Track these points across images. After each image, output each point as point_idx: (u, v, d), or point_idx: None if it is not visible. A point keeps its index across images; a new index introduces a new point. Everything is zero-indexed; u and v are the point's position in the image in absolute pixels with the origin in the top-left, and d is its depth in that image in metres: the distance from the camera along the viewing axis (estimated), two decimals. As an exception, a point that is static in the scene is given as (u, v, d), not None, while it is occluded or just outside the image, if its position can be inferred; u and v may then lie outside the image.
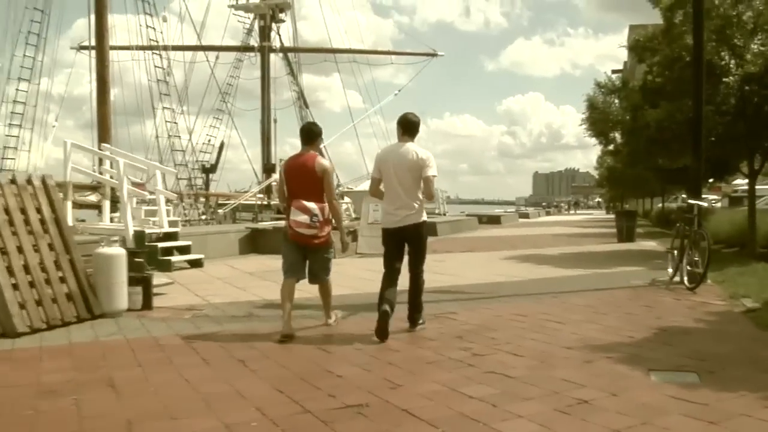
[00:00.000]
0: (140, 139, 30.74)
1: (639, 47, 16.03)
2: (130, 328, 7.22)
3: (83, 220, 16.21)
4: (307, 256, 6.85)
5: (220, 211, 26.77)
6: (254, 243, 17.68)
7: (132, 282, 8.32)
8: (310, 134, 6.93)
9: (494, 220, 40.10)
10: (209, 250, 15.37)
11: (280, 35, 37.81)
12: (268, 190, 34.85)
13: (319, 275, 6.96)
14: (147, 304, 8.42)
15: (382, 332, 6.35)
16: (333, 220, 6.88)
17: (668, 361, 5.42)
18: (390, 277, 6.77)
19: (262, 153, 37.13)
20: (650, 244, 20.52)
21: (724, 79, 14.63)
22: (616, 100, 17.91)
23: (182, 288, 10.40)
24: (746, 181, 35.69)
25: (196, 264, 13.66)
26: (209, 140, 37.90)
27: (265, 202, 33.35)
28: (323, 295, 7.13)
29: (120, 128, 37.69)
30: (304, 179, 6.65)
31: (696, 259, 9.84)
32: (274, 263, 15.26)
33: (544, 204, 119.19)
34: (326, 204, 6.67)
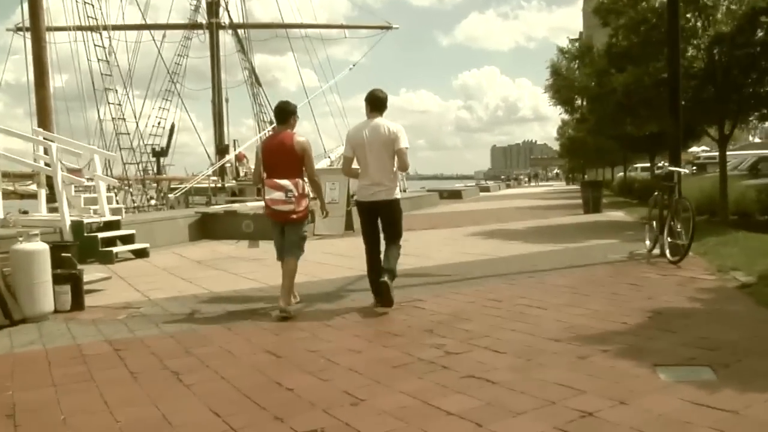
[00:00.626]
0: (87, 125, 29.40)
1: (603, 9, 15.27)
2: (53, 335, 6.28)
3: (26, 211, 15.13)
4: (285, 232, 6.87)
5: (171, 195, 25.61)
6: (205, 228, 16.71)
7: (59, 280, 7.36)
8: (284, 113, 6.95)
9: (455, 195, 39.46)
10: (156, 238, 14.40)
11: (228, 11, 36.45)
12: (222, 172, 33.76)
13: (292, 250, 6.89)
14: (77, 304, 7.47)
15: (388, 301, 6.65)
16: (310, 194, 6.96)
17: (674, 353, 4.67)
18: (372, 253, 6.96)
19: (215, 134, 35.85)
20: (617, 215, 19.96)
21: (693, 41, 13.97)
22: (580, 66, 17.13)
23: (121, 282, 9.44)
24: (701, 148, 35.74)
25: (141, 254, 12.68)
26: (159, 123, 36.48)
27: (219, 185, 32.30)
28: (287, 271, 6.81)
29: (69, 115, 36.07)
30: (283, 158, 6.68)
31: (678, 230, 9.15)
32: (225, 249, 14.55)
33: (502, 177, 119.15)
34: (299, 179, 6.68)
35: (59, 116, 39.10)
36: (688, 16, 14.23)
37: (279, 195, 6.57)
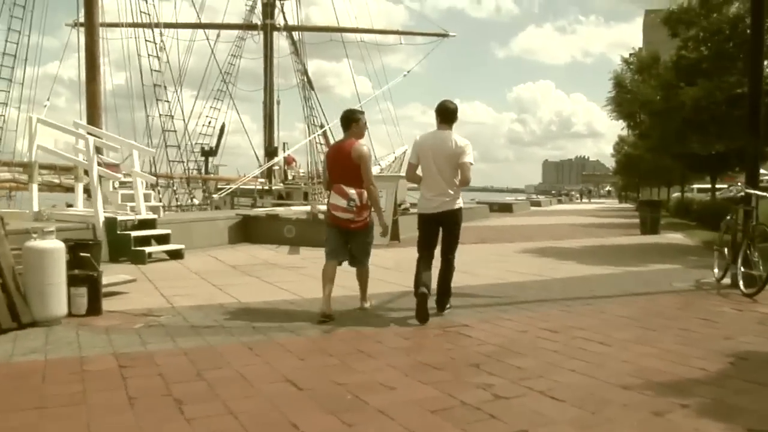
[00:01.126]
0: (134, 122, 29.22)
1: (673, 19, 14.37)
2: (59, 343, 5.69)
3: (70, 205, 14.78)
4: (348, 241, 6.98)
5: (215, 195, 25.21)
6: (246, 231, 16.19)
7: (75, 282, 6.80)
8: (346, 120, 7.07)
9: (506, 209, 38.51)
10: (194, 239, 13.91)
11: (284, 13, 36.16)
12: (269, 175, 33.39)
13: (358, 258, 7.10)
14: (94, 309, 6.89)
15: (422, 315, 6.55)
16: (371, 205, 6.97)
17: (771, 416, 3.87)
18: (425, 263, 6.87)
19: (265, 136, 35.55)
20: (676, 237, 18.94)
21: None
22: (645, 79, 16.10)
23: (148, 285, 8.89)
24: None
25: (175, 255, 12.17)
26: (209, 122, 36.34)
27: (266, 187, 31.92)
28: (360, 279, 7.25)
29: (122, 112, 36.00)
30: (343, 165, 6.82)
31: (755, 259, 8.26)
32: (264, 254, 13.99)
33: (553, 192, 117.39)
34: (363, 190, 6.77)
35: (116, 113, 39.04)
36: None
37: (342, 203, 6.70)
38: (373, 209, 7.00)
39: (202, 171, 33.75)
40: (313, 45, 41.59)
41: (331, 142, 38.08)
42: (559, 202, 75.34)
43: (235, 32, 37.16)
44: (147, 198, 13.32)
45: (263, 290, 8.72)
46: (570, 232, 21.16)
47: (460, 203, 6.97)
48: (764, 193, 9.23)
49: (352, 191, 6.67)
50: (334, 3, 54.61)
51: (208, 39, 34.75)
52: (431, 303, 6.80)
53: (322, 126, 35.61)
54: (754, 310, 7.37)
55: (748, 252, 8.41)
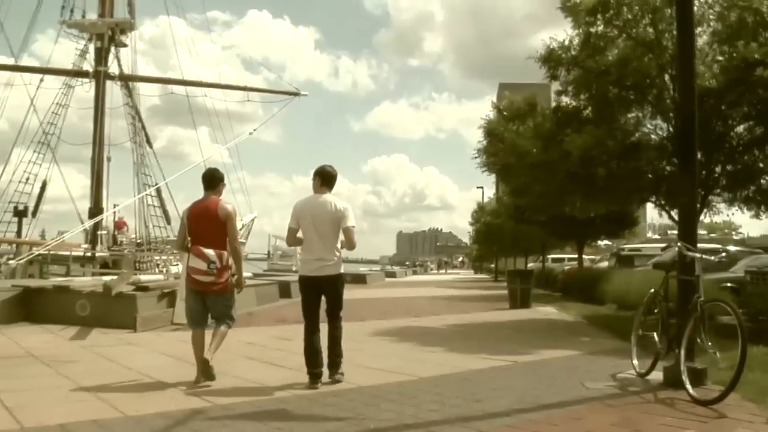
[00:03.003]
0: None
1: (554, 59, 12.23)
2: None
3: None
4: (207, 303, 6.84)
5: (11, 262, 20.93)
6: (27, 308, 12.57)
7: None
8: (212, 180, 7.03)
9: (359, 280, 35.75)
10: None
11: (119, 59, 32.47)
12: (93, 240, 29.27)
13: (222, 319, 6.87)
14: None
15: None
16: (232, 265, 6.83)
17: None
18: (312, 328, 6.81)
19: (91, 195, 31.22)
20: (550, 311, 16.75)
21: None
22: (519, 127, 13.82)
23: None
24: (604, 242, 33.56)
25: None
26: (27, 178, 31.69)
27: (89, 254, 27.75)
28: (216, 334, 6.78)
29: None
30: (207, 224, 6.75)
31: (710, 351, 5.78)
32: (35, 340, 10.36)
33: (407, 263, 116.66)
34: (224, 251, 6.70)
35: None
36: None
37: (202, 265, 6.57)
38: (233, 270, 6.87)
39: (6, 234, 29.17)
40: (169, 111, 38.09)
41: (167, 203, 34.90)
42: (414, 273, 73.86)
43: (62, 79, 33.07)
44: None
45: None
46: (431, 307, 18.61)
47: (341, 269, 6.93)
48: (711, 257, 6.84)
49: (210, 252, 6.57)
50: (179, 60, 51.33)
51: (25, 84, 30.68)
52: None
53: (158, 189, 31.91)
54: (729, 429, 4.78)
55: (699, 338, 5.92)
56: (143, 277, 15.71)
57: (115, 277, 14.41)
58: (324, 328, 6.85)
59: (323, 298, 6.89)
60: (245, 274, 7.83)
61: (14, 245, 28.02)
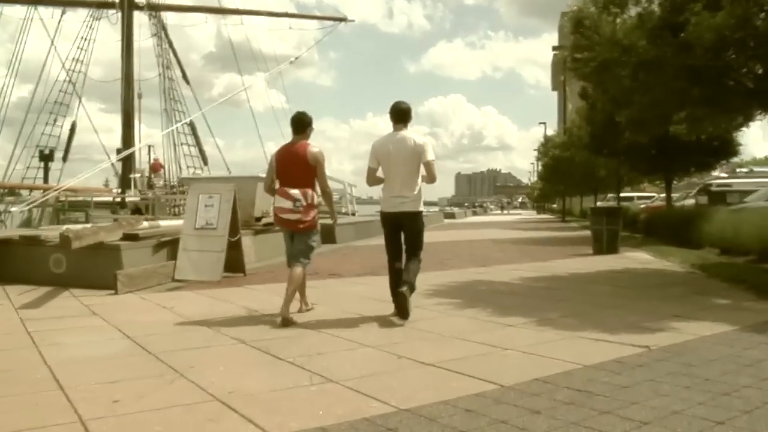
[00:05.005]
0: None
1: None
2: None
3: None
4: (294, 240, 6.89)
5: (14, 208, 18.51)
6: (-8, 264, 10.02)
7: None
8: (300, 123, 7.01)
9: (415, 221, 32.78)
10: None
11: (145, -16, 29.69)
12: (123, 184, 26.92)
13: (300, 258, 6.86)
14: None
15: (403, 311, 6.54)
16: (320, 204, 6.98)
17: None
18: (395, 262, 6.91)
19: (123, 136, 28.77)
20: (644, 257, 13.65)
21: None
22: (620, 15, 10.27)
23: None
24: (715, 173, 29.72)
25: None
26: (54, 120, 29.42)
27: (119, 200, 25.41)
28: (291, 280, 6.72)
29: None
30: (296, 167, 6.77)
31: None
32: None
33: (466, 204, 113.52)
34: (309, 189, 6.75)
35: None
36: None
37: (287, 204, 6.66)
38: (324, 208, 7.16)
39: (35, 180, 27.05)
40: (225, 58, 35.11)
41: (201, 141, 32.34)
42: (474, 214, 70.81)
43: (85, 10, 30.47)
44: None
45: None
46: (498, 253, 15.63)
47: (421, 206, 6.93)
48: None
49: (295, 191, 6.65)
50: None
51: (41, 19, 28.23)
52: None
53: (191, 125, 29.36)
54: None
55: None
56: (163, 223, 13.11)
57: (87, 225, 11.85)
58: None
59: (403, 235, 6.92)
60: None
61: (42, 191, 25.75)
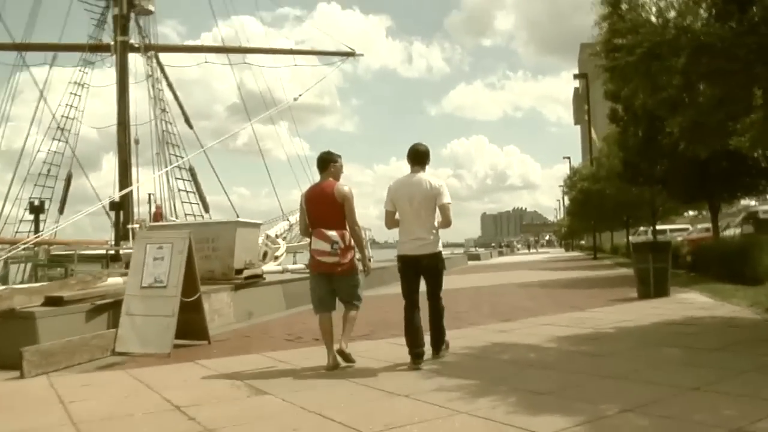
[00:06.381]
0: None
1: None
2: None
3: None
4: (334, 286, 6.71)
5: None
6: None
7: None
8: (322, 162, 6.90)
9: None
10: None
11: (140, 27, 28.05)
12: (117, 236, 24.98)
13: (350, 300, 6.75)
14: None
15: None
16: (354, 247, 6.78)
17: None
18: (412, 306, 6.67)
19: (120, 185, 26.82)
20: (700, 299, 11.31)
21: None
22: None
23: None
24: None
25: None
26: (48, 170, 27.67)
27: (113, 251, 23.41)
28: (347, 319, 6.68)
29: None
30: (324, 207, 6.66)
31: None
32: None
33: (493, 244, 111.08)
34: (346, 231, 6.63)
35: None
36: None
37: (325, 246, 6.47)
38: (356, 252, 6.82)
39: (28, 234, 25.16)
40: (250, 108, 33.55)
41: (202, 188, 30.41)
42: (501, 254, 68.36)
43: (77, 54, 28.90)
44: None
45: None
46: (525, 300, 13.31)
47: (439, 247, 6.78)
48: None
49: (333, 233, 6.48)
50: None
51: (27, 66, 26.68)
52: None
53: (191, 169, 27.47)
54: None
55: None
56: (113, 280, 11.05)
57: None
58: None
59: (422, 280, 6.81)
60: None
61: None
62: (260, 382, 5.89)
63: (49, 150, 27.79)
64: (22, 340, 7.11)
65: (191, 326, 8.52)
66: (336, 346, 6.50)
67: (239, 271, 11.72)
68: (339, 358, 6.49)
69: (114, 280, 10.31)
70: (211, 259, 11.68)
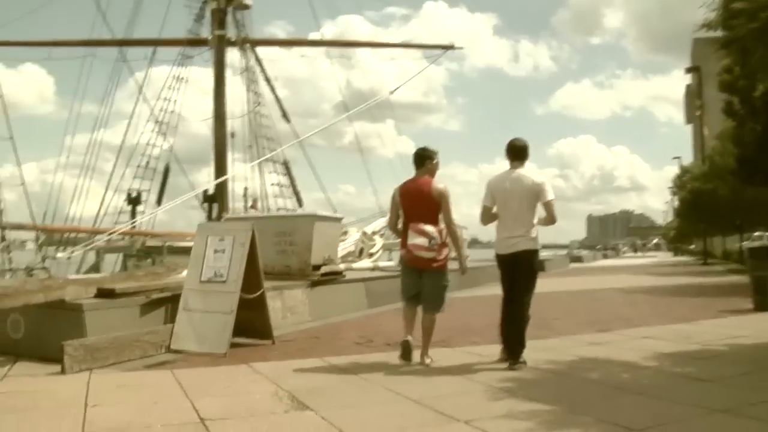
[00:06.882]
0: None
1: None
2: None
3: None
4: (423, 281, 6.58)
5: (60, 254, 16.60)
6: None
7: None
8: (418, 158, 6.80)
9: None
10: None
11: (237, 20, 28.14)
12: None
13: (434, 302, 6.59)
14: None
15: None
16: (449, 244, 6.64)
17: None
18: (511, 302, 6.55)
19: (216, 174, 26.92)
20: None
21: None
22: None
23: None
24: None
25: None
26: (146, 163, 28.11)
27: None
28: (426, 329, 6.58)
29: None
30: (420, 203, 6.58)
31: None
32: None
33: (598, 247, 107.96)
34: (443, 228, 6.52)
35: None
36: None
37: (423, 241, 6.38)
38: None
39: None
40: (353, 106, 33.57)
41: (296, 184, 30.31)
42: (605, 257, 66.10)
43: (176, 48, 29.28)
44: None
45: None
46: (624, 307, 12.20)
47: (537, 245, 6.58)
48: None
49: (430, 228, 6.38)
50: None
51: (126, 61, 27.17)
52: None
53: (285, 163, 27.31)
54: None
55: None
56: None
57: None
58: None
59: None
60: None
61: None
62: (306, 394, 5.19)
63: (147, 143, 28.30)
64: (69, 333, 6.69)
65: (254, 324, 7.96)
66: (418, 360, 6.46)
67: (317, 267, 11.13)
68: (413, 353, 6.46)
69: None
70: (287, 253, 11.11)
